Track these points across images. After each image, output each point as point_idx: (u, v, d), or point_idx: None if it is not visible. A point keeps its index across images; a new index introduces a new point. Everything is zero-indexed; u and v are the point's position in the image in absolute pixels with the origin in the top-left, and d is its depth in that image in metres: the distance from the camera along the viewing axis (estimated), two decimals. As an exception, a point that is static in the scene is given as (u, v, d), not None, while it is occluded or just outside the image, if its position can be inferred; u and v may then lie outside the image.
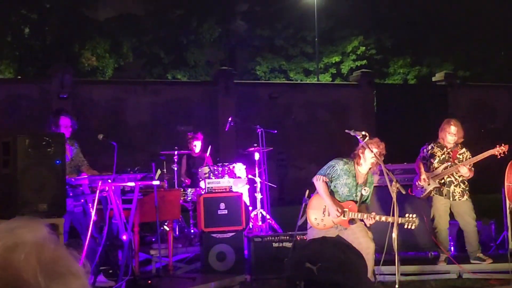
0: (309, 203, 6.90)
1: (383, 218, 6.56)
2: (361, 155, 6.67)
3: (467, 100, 20.37)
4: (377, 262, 6.83)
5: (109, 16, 25.90)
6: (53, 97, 16.55)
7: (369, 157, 6.60)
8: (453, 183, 8.08)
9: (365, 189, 6.77)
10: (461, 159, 8.09)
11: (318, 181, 6.74)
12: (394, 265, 6.31)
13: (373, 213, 6.63)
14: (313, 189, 7.27)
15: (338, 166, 6.73)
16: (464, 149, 8.19)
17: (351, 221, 6.70)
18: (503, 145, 7.95)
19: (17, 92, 16.67)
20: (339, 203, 6.70)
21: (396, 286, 6.24)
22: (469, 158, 8.09)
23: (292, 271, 1.66)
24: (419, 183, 8.11)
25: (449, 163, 8.09)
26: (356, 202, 6.72)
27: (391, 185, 6.35)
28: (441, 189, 8.07)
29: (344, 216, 6.64)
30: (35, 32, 24.61)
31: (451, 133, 8.10)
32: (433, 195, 8.10)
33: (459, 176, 8.10)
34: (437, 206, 8.11)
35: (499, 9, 25.68)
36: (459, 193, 8.07)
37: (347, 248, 1.70)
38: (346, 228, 6.70)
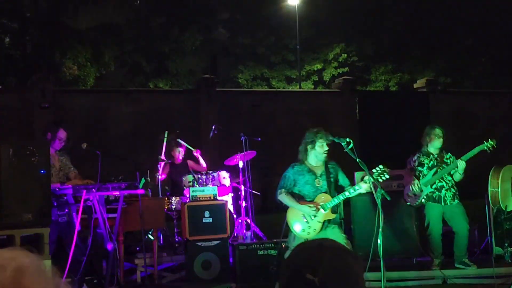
0: (288, 219, 6.81)
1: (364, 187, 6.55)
2: (309, 152, 6.74)
3: (448, 107, 20.51)
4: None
5: (90, 26, 25.77)
6: (34, 106, 16.44)
7: (318, 152, 6.69)
8: (444, 187, 8.11)
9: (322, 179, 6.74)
10: (448, 163, 8.13)
11: (280, 195, 6.78)
12: (380, 271, 6.31)
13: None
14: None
15: (288, 173, 6.82)
16: (449, 154, 8.24)
17: (333, 210, 6.65)
18: (489, 140, 7.98)
19: (-2, 102, 16.52)
20: (311, 202, 6.65)
21: (382, 292, 6.23)
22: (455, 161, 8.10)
23: (289, 281, 1.61)
24: (412, 189, 8.12)
25: (438, 168, 8.12)
26: (326, 192, 6.69)
27: (375, 192, 6.37)
28: (433, 195, 8.10)
29: (325, 210, 6.61)
30: (15, 41, 24.44)
31: (438, 135, 8.16)
32: (426, 202, 8.13)
33: (449, 181, 8.13)
34: (430, 212, 8.13)
35: (479, 17, 25.94)
36: (451, 197, 8.11)
37: (345, 253, 1.67)
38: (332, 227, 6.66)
